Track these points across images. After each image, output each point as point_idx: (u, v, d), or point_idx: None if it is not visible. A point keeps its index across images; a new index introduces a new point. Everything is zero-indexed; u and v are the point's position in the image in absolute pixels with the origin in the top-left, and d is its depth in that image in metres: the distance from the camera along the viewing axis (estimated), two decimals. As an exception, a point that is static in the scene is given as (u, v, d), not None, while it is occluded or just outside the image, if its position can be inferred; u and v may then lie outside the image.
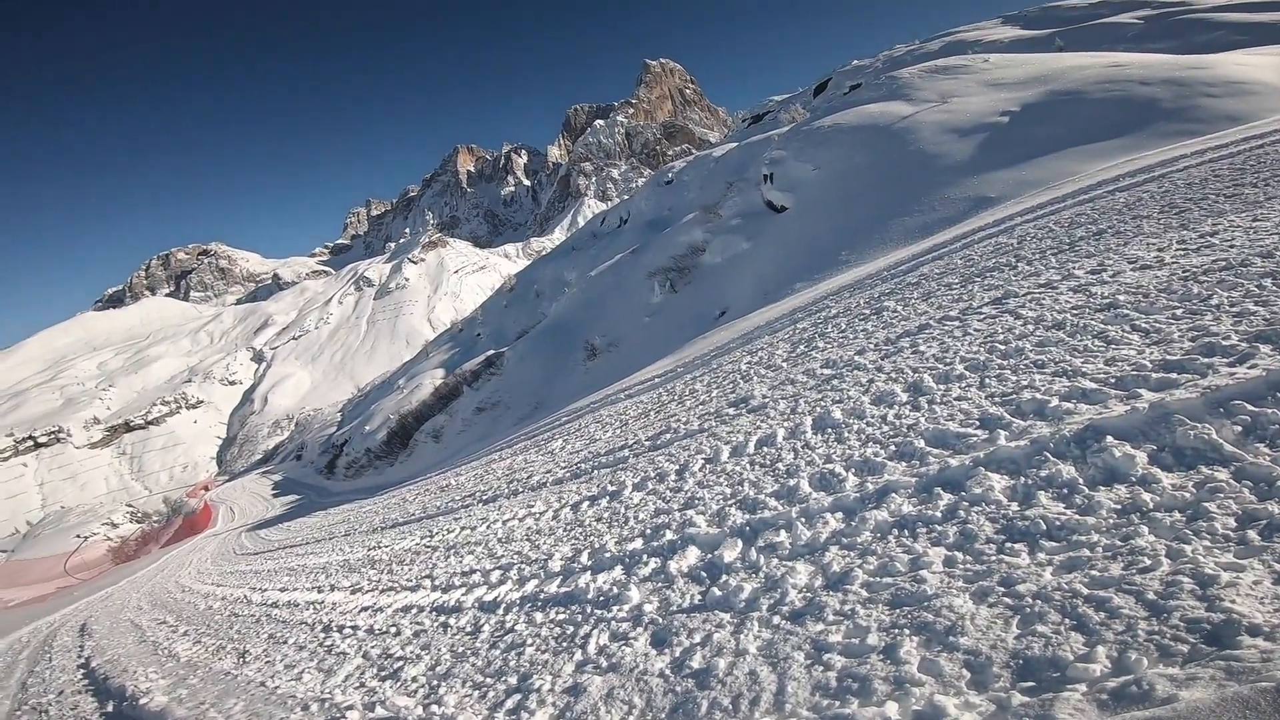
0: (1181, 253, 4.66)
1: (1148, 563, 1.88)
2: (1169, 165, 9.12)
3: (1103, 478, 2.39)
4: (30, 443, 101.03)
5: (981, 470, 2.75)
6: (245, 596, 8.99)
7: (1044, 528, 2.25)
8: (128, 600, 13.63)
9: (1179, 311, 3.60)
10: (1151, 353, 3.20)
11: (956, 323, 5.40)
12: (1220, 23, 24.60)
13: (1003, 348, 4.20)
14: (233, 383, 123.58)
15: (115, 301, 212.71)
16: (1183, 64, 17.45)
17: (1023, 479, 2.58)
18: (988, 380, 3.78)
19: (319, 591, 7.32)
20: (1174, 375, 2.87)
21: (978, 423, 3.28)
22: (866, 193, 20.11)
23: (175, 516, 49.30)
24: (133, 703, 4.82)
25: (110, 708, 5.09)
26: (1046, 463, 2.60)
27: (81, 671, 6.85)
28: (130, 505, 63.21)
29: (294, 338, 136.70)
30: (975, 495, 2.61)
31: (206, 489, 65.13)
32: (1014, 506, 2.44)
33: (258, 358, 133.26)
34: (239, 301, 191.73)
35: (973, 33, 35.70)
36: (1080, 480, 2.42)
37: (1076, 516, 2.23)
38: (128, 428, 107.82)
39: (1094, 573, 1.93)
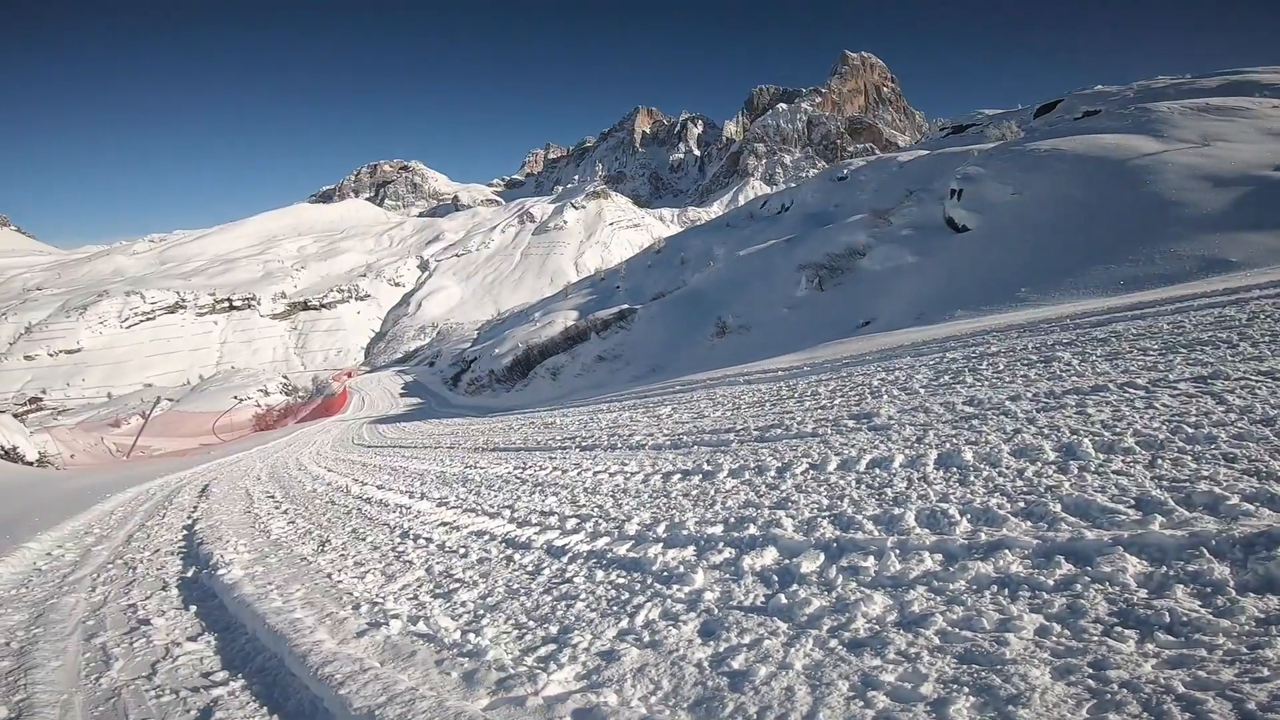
0: None
1: (1265, 674, 1.71)
2: None
3: (1257, 585, 2.15)
4: (226, 304, 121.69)
5: (1119, 550, 2.53)
6: (347, 486, 9.52)
7: (1167, 620, 2.07)
8: (251, 468, 14.66)
9: None
10: (1384, 482, 2.72)
11: (1141, 392, 4.77)
12: None
13: (1190, 431, 3.69)
14: (398, 284, 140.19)
15: (325, 198, 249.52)
16: None
17: (1164, 569, 2.36)
18: (1160, 461, 3.38)
19: (410, 497, 7.68)
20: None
21: (1133, 502, 2.98)
22: (1070, 230, 17.75)
23: (316, 396, 52.99)
24: (211, 571, 5.05)
25: (190, 572, 5.37)
26: (1199, 558, 2.36)
27: (184, 533, 7.19)
28: (285, 377, 70.41)
29: (457, 255, 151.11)
30: (1101, 573, 2.42)
31: (349, 375, 71.48)
32: (1141, 593, 2.25)
33: (423, 266, 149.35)
34: (421, 215, 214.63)
35: (1270, 75, 28.59)
36: (1230, 583, 2.19)
37: (1209, 616, 2.04)
38: (305, 307, 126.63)
39: (1200, 673, 1.78)
